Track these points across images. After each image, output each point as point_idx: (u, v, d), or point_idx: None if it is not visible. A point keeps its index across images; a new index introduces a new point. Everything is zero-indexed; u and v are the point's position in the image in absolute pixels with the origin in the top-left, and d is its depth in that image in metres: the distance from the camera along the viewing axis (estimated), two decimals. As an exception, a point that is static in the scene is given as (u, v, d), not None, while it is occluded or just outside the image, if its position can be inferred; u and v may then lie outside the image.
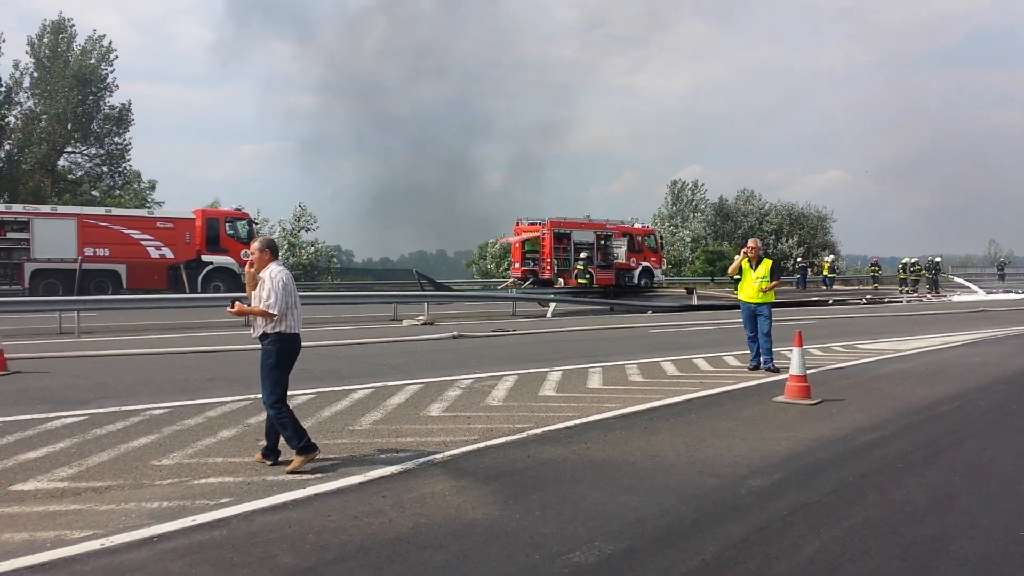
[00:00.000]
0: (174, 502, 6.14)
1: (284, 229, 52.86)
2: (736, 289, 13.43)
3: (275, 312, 7.07)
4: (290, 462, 7.11)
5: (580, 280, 32.68)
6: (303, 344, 7.53)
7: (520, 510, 6.02)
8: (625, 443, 8.12)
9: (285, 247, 49.55)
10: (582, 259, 33.59)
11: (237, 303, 7.30)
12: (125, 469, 7.07)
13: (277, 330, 7.13)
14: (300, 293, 7.77)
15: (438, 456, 7.50)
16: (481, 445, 7.97)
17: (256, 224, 35.09)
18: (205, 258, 31.81)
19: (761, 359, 12.92)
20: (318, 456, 7.21)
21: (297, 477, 6.82)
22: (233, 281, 30.99)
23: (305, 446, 7.12)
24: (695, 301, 31.18)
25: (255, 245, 7.36)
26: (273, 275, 7.16)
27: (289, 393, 7.12)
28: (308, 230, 54.11)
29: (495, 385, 11.48)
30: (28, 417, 9.03)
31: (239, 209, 33.70)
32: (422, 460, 7.36)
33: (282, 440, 7.22)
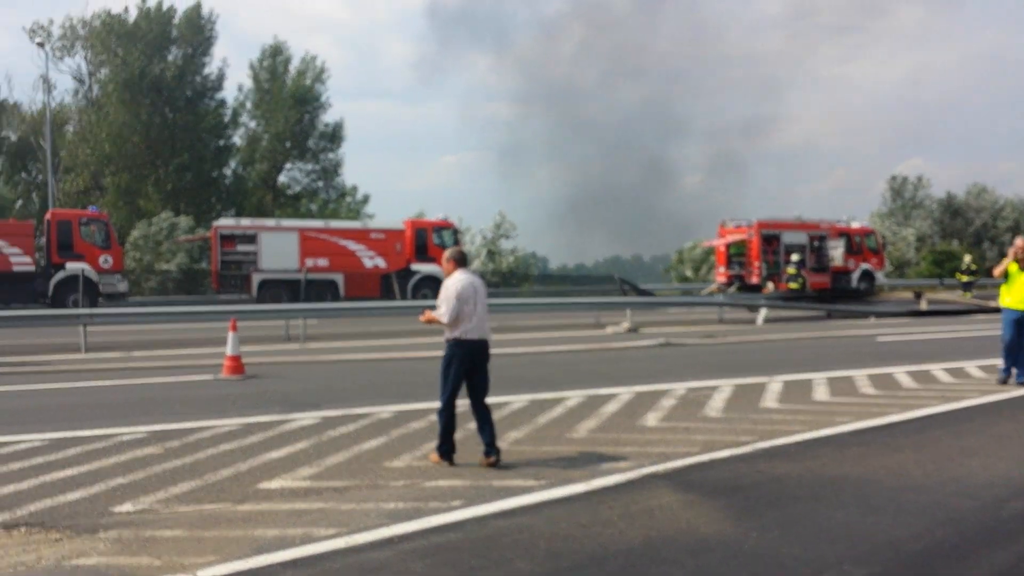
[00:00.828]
0: (409, 503, 6.29)
1: (484, 237, 54.22)
2: (1003, 293, 12.10)
3: (445, 320, 7.46)
4: (497, 462, 7.43)
5: (791, 284, 31.31)
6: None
7: (756, 528, 5.73)
8: (864, 460, 7.59)
9: (484, 255, 50.76)
10: (793, 262, 32.17)
11: (426, 311, 7.82)
12: (360, 470, 7.35)
13: (452, 336, 7.52)
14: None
15: (660, 467, 7.30)
16: (705, 458, 7.70)
17: (459, 233, 36.11)
18: (414, 267, 33.08)
19: (1015, 371, 11.74)
20: (446, 465, 7.43)
21: (521, 483, 6.83)
22: (440, 289, 32.03)
23: (443, 451, 7.50)
24: (924, 307, 29.05)
25: (443, 255, 7.83)
26: (448, 284, 7.61)
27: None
28: (507, 238, 55.25)
29: (711, 395, 11.11)
30: (268, 419, 9.62)
31: (445, 219, 34.86)
32: (644, 471, 7.19)
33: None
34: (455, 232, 34.98)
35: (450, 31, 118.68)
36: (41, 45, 45.13)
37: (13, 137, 51.16)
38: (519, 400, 10.57)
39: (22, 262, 27.00)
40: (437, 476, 7.10)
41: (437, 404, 7.62)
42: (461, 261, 7.81)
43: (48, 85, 48.52)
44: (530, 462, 7.55)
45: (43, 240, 28.27)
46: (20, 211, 44.36)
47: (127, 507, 6.24)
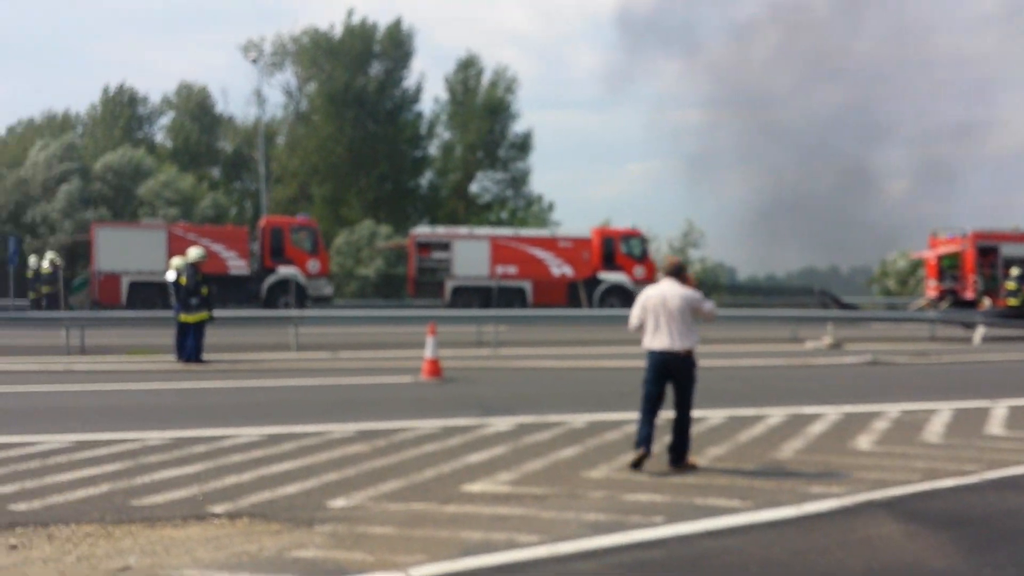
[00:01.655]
0: (609, 515, 6.19)
1: (671, 246, 53.41)
2: None
3: (629, 328, 7.93)
4: (686, 467, 7.60)
5: (1011, 301, 28.79)
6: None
7: (990, 564, 5.24)
8: (1117, 499, 6.79)
9: (672, 265, 49.86)
10: (1014, 277, 29.58)
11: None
12: (558, 478, 7.32)
13: (644, 346, 7.73)
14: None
15: (877, 495, 6.82)
16: (926, 487, 7.14)
17: (647, 242, 35.73)
18: (601, 276, 33.02)
19: None
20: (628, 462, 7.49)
21: (726, 503, 6.57)
22: (627, 298, 31.83)
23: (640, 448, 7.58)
24: None
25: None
26: (640, 294, 7.90)
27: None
28: (695, 247, 54.17)
29: (928, 419, 10.32)
30: (466, 422, 9.81)
31: (633, 228, 34.60)
32: (860, 498, 6.74)
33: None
34: (643, 241, 34.63)
35: (639, 39, 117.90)
36: (254, 62, 48.63)
37: (229, 149, 55.39)
38: (716, 415, 10.24)
39: (238, 265, 29.13)
40: (636, 489, 6.96)
41: (630, 415, 7.54)
42: (670, 271, 7.87)
43: (261, 99, 52.36)
44: (733, 481, 7.27)
45: (257, 245, 30.35)
46: (235, 218, 47.92)
47: (340, 503, 6.51)
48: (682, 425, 7.63)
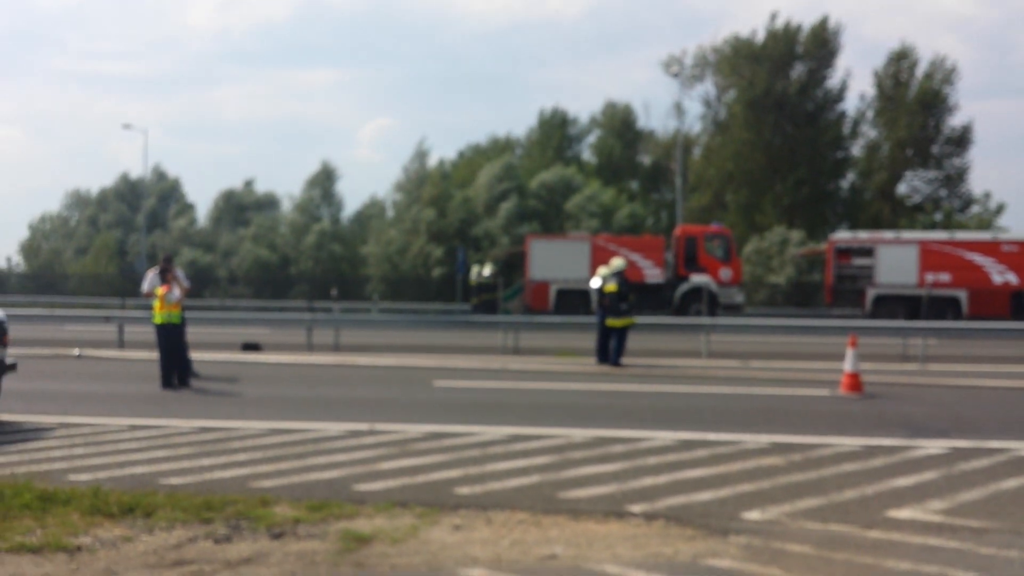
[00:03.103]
0: (1068, 563, 5.40)
1: None
2: None
3: None
4: None
5: None
6: None
7: None
8: None
9: None
10: None
11: None
12: (1000, 511, 6.55)
13: None
14: None
15: None
16: None
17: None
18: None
19: None
20: None
21: None
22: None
23: None
24: None
25: None
26: None
27: None
28: None
29: None
30: (891, 442, 9.15)
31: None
32: None
33: None
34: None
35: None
36: (675, 75, 49.77)
37: (647, 162, 57.35)
38: None
39: (653, 274, 30.02)
40: (1105, 535, 5.98)
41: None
42: None
43: (680, 112, 53.38)
44: None
45: (671, 254, 31.04)
46: (651, 227, 49.49)
47: (755, 515, 6.45)
48: None
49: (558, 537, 5.92)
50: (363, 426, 9.95)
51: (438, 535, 5.98)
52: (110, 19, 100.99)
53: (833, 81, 51.14)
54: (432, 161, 53.13)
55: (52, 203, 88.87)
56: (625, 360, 16.46)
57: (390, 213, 52.61)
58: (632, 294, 16.90)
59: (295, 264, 51.19)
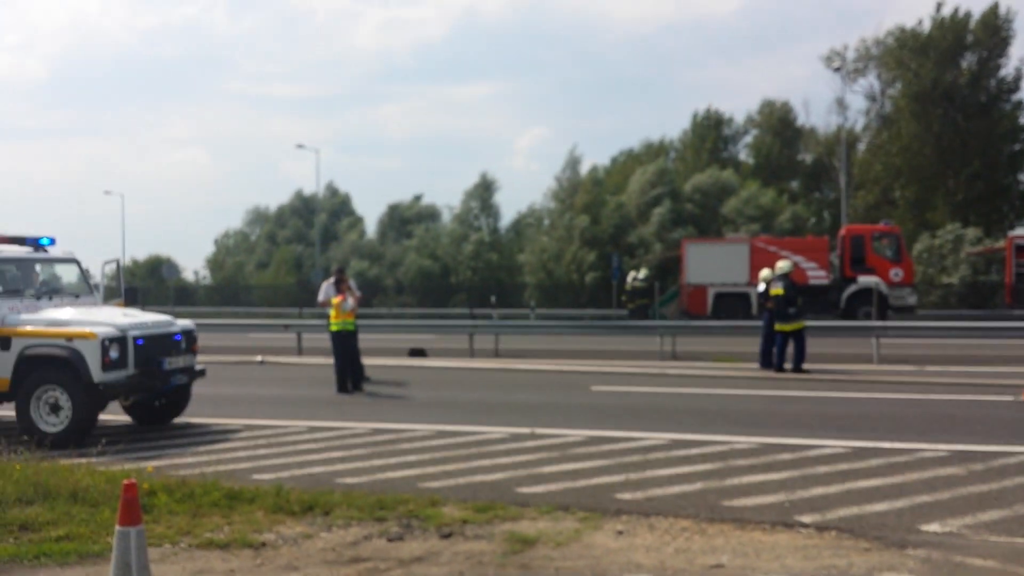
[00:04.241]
0: None
1: None
2: None
3: None
4: None
5: None
6: None
7: None
8: None
9: None
10: None
11: None
12: None
13: None
14: None
15: None
16: None
17: None
18: None
19: None
20: None
21: None
22: None
23: None
24: None
25: None
26: None
27: None
28: None
29: None
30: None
31: None
32: None
33: None
34: None
35: None
36: (837, 70, 47.77)
37: (808, 159, 55.25)
38: None
39: (817, 276, 28.91)
40: None
41: None
42: None
43: (842, 107, 51.09)
44: None
45: (835, 255, 29.81)
46: (813, 228, 47.56)
47: (934, 527, 6.14)
48: None
49: (724, 546, 5.84)
50: (524, 430, 10.13)
51: (601, 540, 6.02)
52: (281, 44, 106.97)
53: (1007, 70, 47.78)
54: (584, 168, 53.32)
55: (234, 220, 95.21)
56: (788, 365, 15.95)
57: (545, 222, 53.12)
58: (800, 297, 16.41)
59: (455, 273, 52.53)
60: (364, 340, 15.48)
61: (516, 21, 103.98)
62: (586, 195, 48.36)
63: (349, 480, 7.91)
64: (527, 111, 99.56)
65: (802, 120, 55.63)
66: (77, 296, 11.15)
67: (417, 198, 63.64)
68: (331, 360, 14.73)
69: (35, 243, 11.15)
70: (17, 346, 9.79)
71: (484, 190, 57.73)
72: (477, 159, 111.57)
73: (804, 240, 32.60)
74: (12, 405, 10.03)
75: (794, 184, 54.67)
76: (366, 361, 15.38)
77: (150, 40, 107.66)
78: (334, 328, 14.35)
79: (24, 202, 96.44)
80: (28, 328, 9.89)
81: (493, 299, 36.85)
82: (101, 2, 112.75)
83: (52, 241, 11.29)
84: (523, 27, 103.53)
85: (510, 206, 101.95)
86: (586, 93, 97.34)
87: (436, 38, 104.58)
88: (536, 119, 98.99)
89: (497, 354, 20.10)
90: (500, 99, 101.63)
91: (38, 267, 11.23)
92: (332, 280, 15.12)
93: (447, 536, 6.18)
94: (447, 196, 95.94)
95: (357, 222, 64.64)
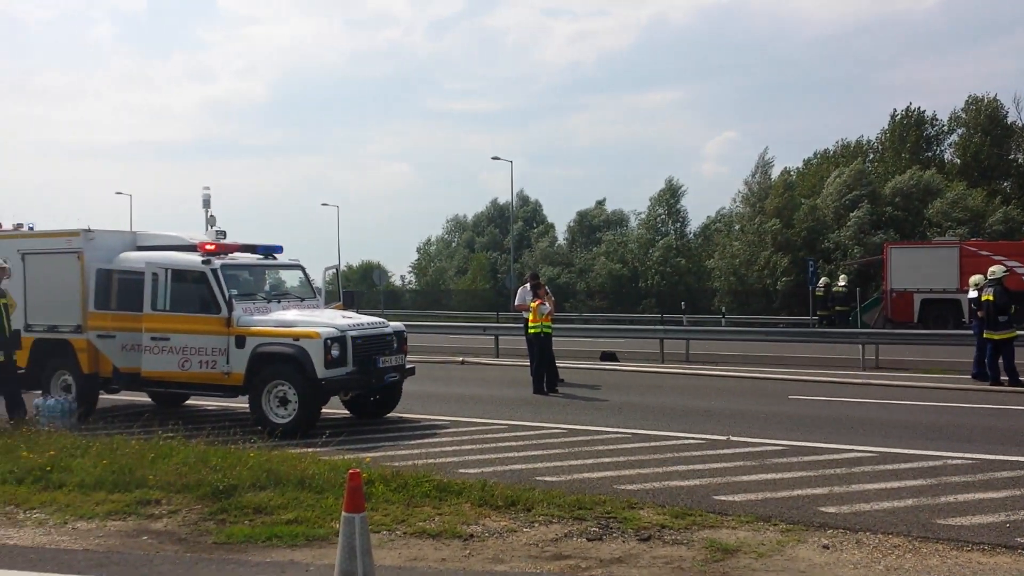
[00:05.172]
0: None
1: None
2: None
3: None
4: None
5: None
6: None
7: None
8: None
9: None
10: None
11: None
12: None
13: None
14: None
15: None
16: None
17: None
18: None
19: None
20: None
21: None
22: None
23: None
24: None
25: None
26: None
27: None
28: None
29: None
30: None
31: None
32: None
33: None
34: None
35: None
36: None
37: (1021, 158, 50.75)
38: None
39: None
40: None
41: None
42: None
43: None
44: None
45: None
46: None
47: None
48: None
49: (939, 566, 5.62)
50: (720, 437, 10.07)
51: (805, 553, 5.94)
52: (476, 61, 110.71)
53: None
54: (776, 171, 51.64)
55: (436, 228, 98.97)
56: (1005, 377, 14.86)
57: (735, 226, 51.91)
58: (1013, 304, 15.22)
59: (643, 278, 52.35)
60: (556, 344, 15.82)
61: (704, 27, 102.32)
62: (777, 199, 46.96)
63: (548, 478, 8.18)
64: (715, 115, 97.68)
65: (1013, 117, 51.25)
66: (302, 299, 12.12)
67: (599, 203, 64.01)
68: (527, 362, 15.16)
69: (265, 251, 12.24)
70: (251, 344, 10.78)
71: (671, 195, 57.33)
72: (663, 165, 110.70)
73: (1019, 244, 30.20)
74: (245, 398, 11.06)
75: (1006, 184, 50.41)
76: (560, 364, 15.70)
77: (358, 62, 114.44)
78: (532, 331, 14.76)
79: (252, 212, 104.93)
80: (260, 328, 10.88)
81: (683, 304, 36.46)
82: (315, 28, 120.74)
83: (280, 249, 12.36)
84: (711, 32, 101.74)
85: (697, 211, 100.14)
86: (776, 96, 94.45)
87: (623, 48, 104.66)
88: (724, 123, 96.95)
89: (688, 360, 19.94)
90: (687, 104, 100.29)
91: (268, 273, 12.32)
92: (527, 285, 15.55)
93: (645, 539, 6.29)
94: (631, 202, 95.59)
95: (548, 229, 65.71)
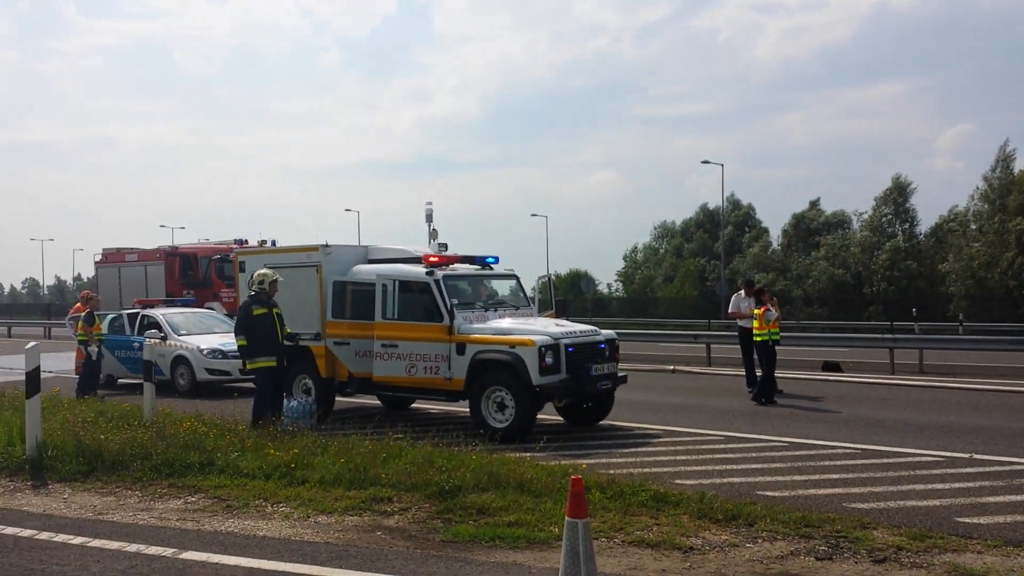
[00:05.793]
0: None
1: None
2: None
3: None
4: None
5: None
6: None
7: None
8: None
9: None
10: None
11: None
12: None
13: None
14: None
15: None
16: None
17: None
18: None
19: None
20: None
21: None
22: None
23: None
24: None
25: None
26: None
27: None
28: None
29: None
30: None
31: None
32: None
33: None
34: None
35: None
36: None
37: None
38: None
39: None
40: None
41: None
42: None
43: None
44: None
45: None
46: None
47: None
48: None
49: None
50: (962, 455, 9.35)
51: (1065, 583, 5.41)
52: (683, 65, 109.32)
53: None
54: (1018, 165, 47.25)
55: (642, 235, 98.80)
56: None
57: (972, 226, 47.98)
58: None
59: (868, 283, 49.55)
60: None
61: (933, 12, 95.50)
62: (1021, 195, 42.96)
63: (770, 493, 7.90)
64: (948, 107, 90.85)
65: None
66: (516, 308, 12.43)
67: (813, 203, 61.04)
68: (741, 371, 14.75)
69: (483, 261, 12.67)
70: (470, 351, 11.19)
71: (898, 194, 53.84)
72: (886, 162, 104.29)
73: None
74: (465, 402, 11.49)
75: None
76: (777, 374, 15.15)
77: (565, 74, 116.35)
78: (759, 338, 14.36)
79: (466, 224, 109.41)
80: (478, 336, 11.27)
81: (915, 311, 34.18)
82: (523, 43, 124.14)
83: (496, 259, 12.75)
84: (941, 18, 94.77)
85: (928, 211, 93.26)
86: (1018, 83, 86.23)
87: (843, 40, 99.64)
88: (959, 115, 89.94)
89: (922, 371, 18.62)
90: (915, 97, 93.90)
91: (485, 282, 12.74)
92: (741, 292, 15.14)
93: (880, 561, 5.94)
94: (847, 203, 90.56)
95: (761, 234, 63.64)
